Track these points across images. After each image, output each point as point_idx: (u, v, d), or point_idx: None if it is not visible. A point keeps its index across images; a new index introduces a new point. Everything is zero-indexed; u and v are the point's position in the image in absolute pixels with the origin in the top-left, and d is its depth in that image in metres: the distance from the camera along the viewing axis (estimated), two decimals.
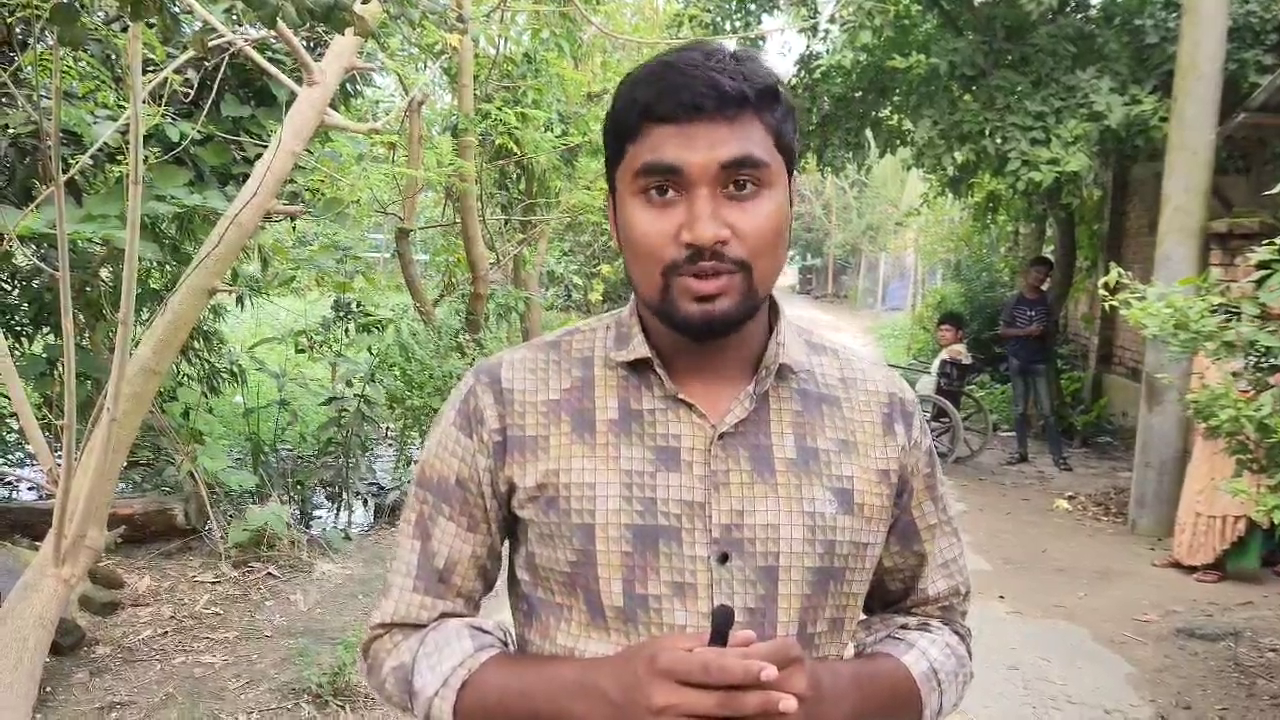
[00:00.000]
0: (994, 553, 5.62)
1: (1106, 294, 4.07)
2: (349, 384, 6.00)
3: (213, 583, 4.48)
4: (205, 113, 3.62)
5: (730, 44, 0.96)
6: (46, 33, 3.27)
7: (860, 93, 8.40)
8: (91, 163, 3.82)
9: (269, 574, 4.62)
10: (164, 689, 3.42)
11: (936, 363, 8.32)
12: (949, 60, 7.02)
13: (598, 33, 8.20)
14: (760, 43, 8.84)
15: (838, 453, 0.99)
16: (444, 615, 1.01)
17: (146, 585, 4.34)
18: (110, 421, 2.77)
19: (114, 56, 4.20)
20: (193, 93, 3.98)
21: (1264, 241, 3.40)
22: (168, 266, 5.00)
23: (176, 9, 3.87)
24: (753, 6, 8.70)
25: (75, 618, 3.70)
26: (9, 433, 5.48)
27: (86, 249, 4.28)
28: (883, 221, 26.73)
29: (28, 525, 4.48)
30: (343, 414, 5.83)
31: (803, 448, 0.97)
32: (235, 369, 6.39)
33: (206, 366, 6.14)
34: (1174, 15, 6.67)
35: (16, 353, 4.90)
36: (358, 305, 6.45)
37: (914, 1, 7.19)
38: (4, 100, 3.89)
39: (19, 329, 5.11)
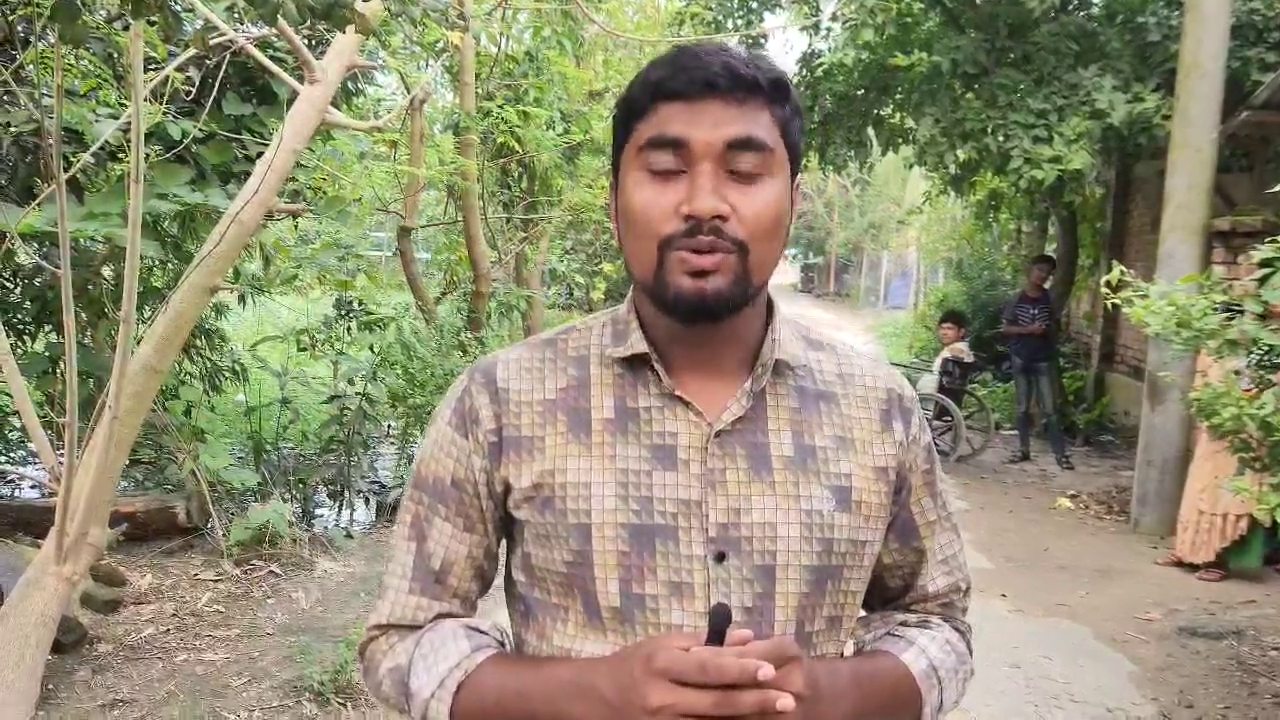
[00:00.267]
0: (996, 551, 5.62)
1: (1109, 292, 4.06)
2: (351, 382, 6.00)
3: (214, 581, 4.48)
4: (207, 111, 3.62)
5: (734, 42, 0.97)
6: (48, 31, 3.27)
7: (862, 91, 8.39)
8: (93, 161, 3.82)
9: (271, 572, 4.62)
10: (166, 686, 3.43)
11: (938, 361, 8.32)
12: (951, 58, 7.01)
13: (600, 31, 8.19)
14: (762, 40, 8.84)
15: (835, 450, 0.98)
16: (440, 616, 1.00)
17: (148, 583, 4.34)
18: (112, 419, 2.77)
19: (115, 55, 4.20)
20: (194, 91, 3.99)
21: (1267, 239, 3.39)
22: (169, 265, 5.01)
23: (178, 7, 3.85)
24: (754, 4, 8.70)
25: (77, 615, 3.70)
26: (11, 430, 5.49)
27: (88, 247, 4.28)
28: (885, 220, 26.74)
29: (30, 523, 4.48)
30: (344, 412, 5.83)
31: (800, 445, 0.97)
32: (237, 367, 6.40)
33: (208, 365, 6.15)
34: (1176, 13, 6.67)
35: (19, 351, 4.91)
36: (359, 303, 6.45)
37: None
38: (6, 98, 3.89)
39: (21, 327, 5.12)
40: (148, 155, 3.63)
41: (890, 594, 1.11)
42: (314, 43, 4.64)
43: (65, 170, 2.78)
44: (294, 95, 3.30)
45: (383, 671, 0.99)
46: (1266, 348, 3.46)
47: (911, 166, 10.47)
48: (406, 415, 6.37)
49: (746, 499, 0.93)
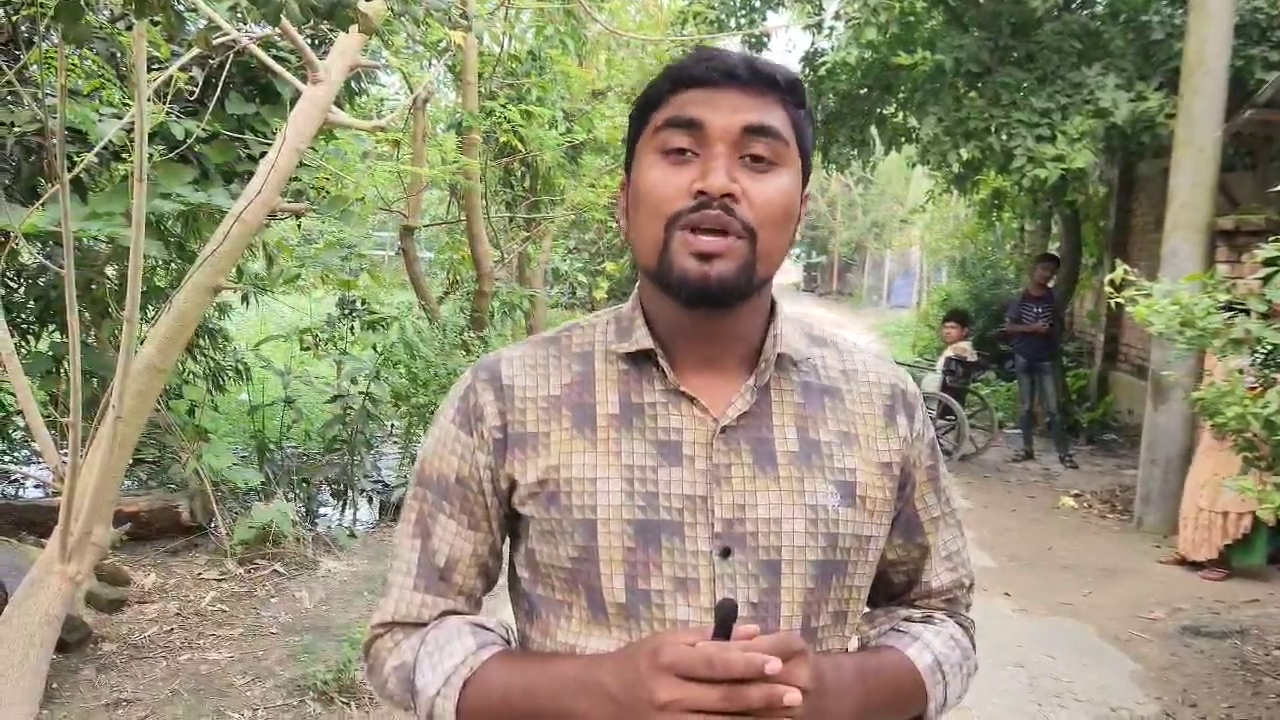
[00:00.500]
0: (999, 550, 5.61)
1: (1112, 291, 4.06)
2: (354, 381, 6.00)
3: (218, 580, 4.49)
4: (210, 110, 3.63)
5: (737, 41, 0.98)
6: (51, 31, 3.27)
7: (865, 90, 8.38)
8: (96, 161, 3.83)
9: (274, 571, 4.62)
10: (170, 685, 3.43)
11: (942, 360, 8.31)
12: (954, 57, 7.01)
13: (602, 30, 8.19)
14: (765, 39, 8.84)
15: (840, 445, 0.98)
16: (445, 614, 1.00)
17: (152, 582, 4.35)
18: (115, 419, 2.78)
19: (119, 54, 4.20)
20: (197, 90, 3.99)
21: (1270, 238, 3.39)
22: (172, 264, 5.01)
23: (181, 7, 3.87)
24: (757, 3, 8.69)
25: (81, 614, 3.71)
26: (15, 430, 5.50)
27: (92, 247, 4.29)
28: (888, 219, 26.74)
29: (34, 522, 4.49)
30: (348, 411, 5.83)
31: (805, 440, 0.97)
32: (240, 367, 6.40)
33: (212, 364, 6.15)
34: (1180, 11, 6.65)
35: (22, 350, 4.91)
36: (363, 303, 6.45)
37: None
38: (10, 98, 3.90)
39: (25, 327, 5.13)
40: (151, 155, 3.63)
41: (894, 590, 1.11)
42: (317, 42, 4.64)
43: (69, 170, 2.79)
44: (297, 95, 3.30)
45: (388, 669, 0.99)
46: (1270, 347, 3.46)
47: (914, 165, 10.47)
48: (410, 414, 6.37)
49: (752, 494, 0.93)
